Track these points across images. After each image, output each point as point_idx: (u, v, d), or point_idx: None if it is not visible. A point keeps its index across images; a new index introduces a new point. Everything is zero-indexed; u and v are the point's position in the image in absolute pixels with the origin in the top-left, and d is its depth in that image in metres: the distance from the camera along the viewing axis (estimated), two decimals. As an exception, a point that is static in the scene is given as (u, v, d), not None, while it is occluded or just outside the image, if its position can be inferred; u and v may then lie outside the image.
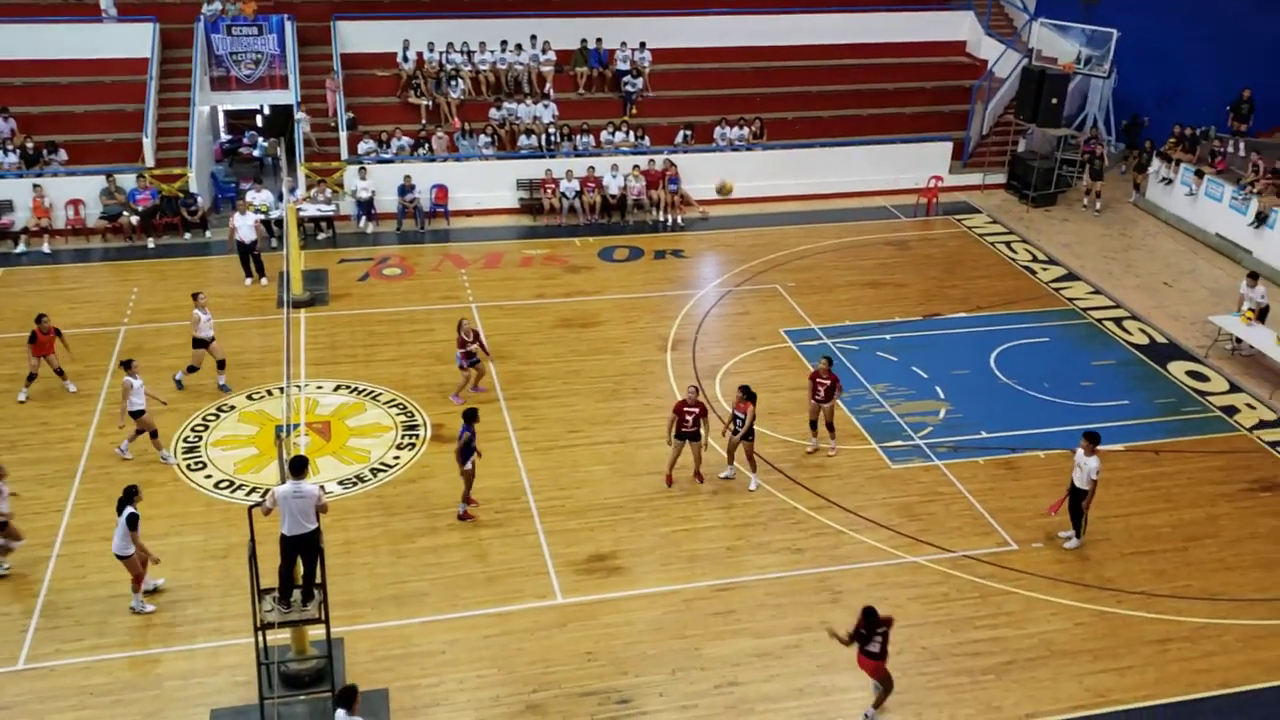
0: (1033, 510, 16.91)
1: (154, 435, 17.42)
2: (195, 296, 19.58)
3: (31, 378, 18.81)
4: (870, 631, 12.72)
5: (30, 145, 26.18)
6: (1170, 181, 28.66)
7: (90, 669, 13.39)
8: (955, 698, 13.54)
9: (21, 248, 24.97)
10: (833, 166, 29.67)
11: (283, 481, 12.68)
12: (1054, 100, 29.15)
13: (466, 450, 16.15)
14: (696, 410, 16.85)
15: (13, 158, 25.95)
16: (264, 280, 23.63)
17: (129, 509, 14.04)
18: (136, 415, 17.13)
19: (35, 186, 25.19)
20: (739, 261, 25.67)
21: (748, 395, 16.99)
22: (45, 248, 24.95)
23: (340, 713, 11.17)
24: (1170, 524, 16.88)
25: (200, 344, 19.28)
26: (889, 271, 25.28)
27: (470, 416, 16.22)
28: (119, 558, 14.13)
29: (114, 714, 12.76)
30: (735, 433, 17.07)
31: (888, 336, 22.17)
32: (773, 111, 30.41)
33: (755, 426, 17.16)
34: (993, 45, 32.65)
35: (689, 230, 27.59)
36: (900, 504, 17.09)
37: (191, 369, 19.49)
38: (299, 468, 12.48)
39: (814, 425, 18.29)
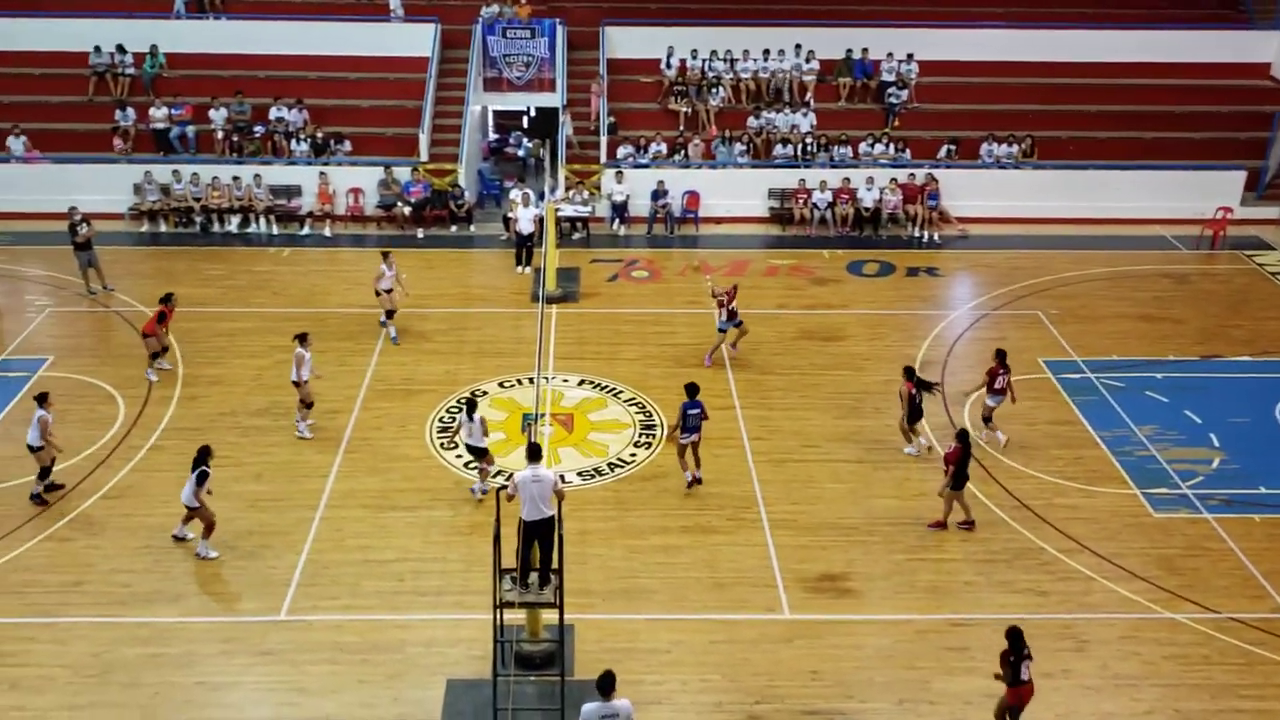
0: (1315, 577, 15.43)
1: (308, 406, 18.28)
2: (385, 255, 21.51)
3: (165, 350, 19.99)
4: (1021, 655, 12.39)
5: (319, 135, 28.13)
6: None
7: (342, 627, 14.19)
8: (1211, 769, 12.52)
9: (306, 230, 26.88)
10: (1108, 190, 28.15)
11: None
12: (1369, 131, 26.61)
13: (687, 423, 16.75)
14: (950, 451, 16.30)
15: (303, 146, 27.96)
16: (527, 269, 24.58)
17: (202, 467, 15.12)
18: (297, 385, 18.08)
19: (321, 174, 27.05)
20: (998, 284, 24.69)
21: (909, 376, 17.67)
22: (326, 231, 26.76)
23: (592, 705, 11.19)
24: None
25: (382, 294, 21.31)
26: (1164, 306, 23.73)
27: (691, 391, 16.86)
28: (189, 509, 15.22)
29: (361, 672, 13.48)
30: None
31: (1159, 375, 20.78)
32: (1045, 130, 29.11)
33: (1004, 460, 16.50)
34: (1303, 69, 30.15)
35: (946, 248, 26.79)
36: (1160, 555, 15.95)
37: (390, 313, 21.46)
38: (534, 454, 12.84)
39: (987, 420, 18.47)
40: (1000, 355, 18.30)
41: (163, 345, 20.00)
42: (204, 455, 15.37)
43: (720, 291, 20.56)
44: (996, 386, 18.12)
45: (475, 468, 17.03)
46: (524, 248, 24.80)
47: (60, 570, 15.07)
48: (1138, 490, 17.40)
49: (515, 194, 26.45)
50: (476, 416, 16.55)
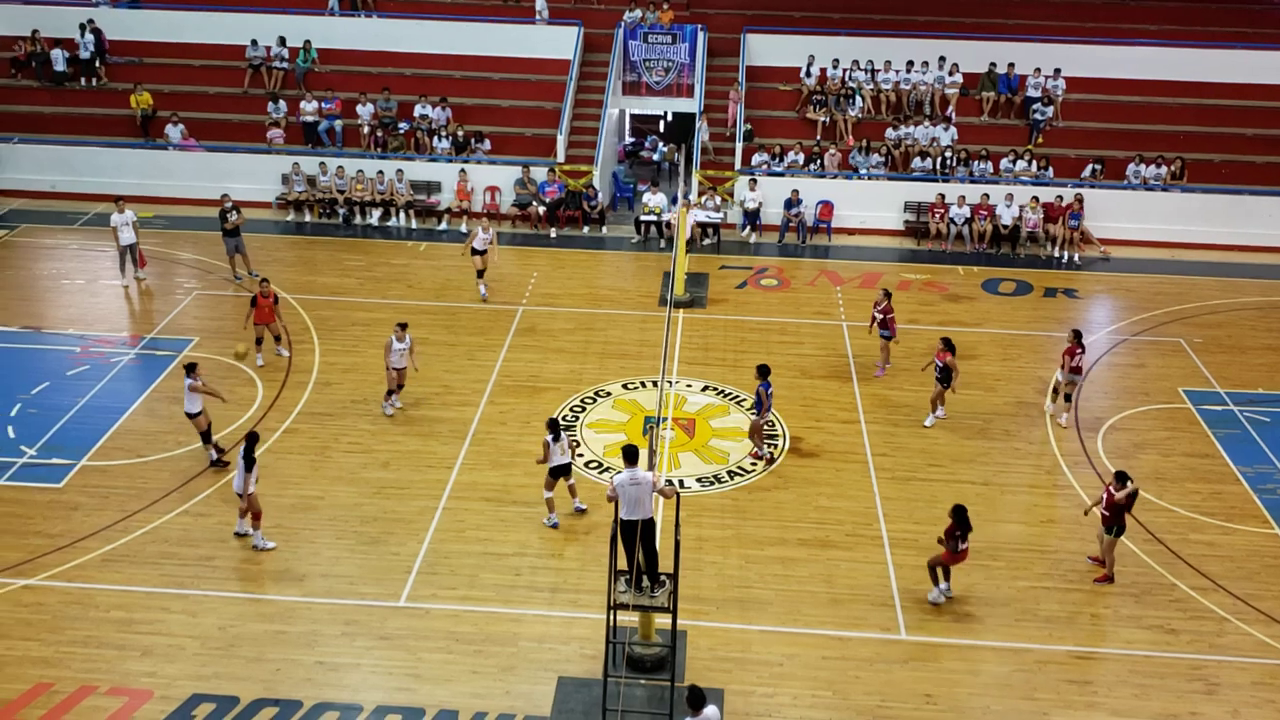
0: None
1: (390, 392, 18.67)
2: (481, 219, 24.09)
3: (259, 341, 20.38)
4: (965, 528, 14.42)
5: (461, 134, 28.74)
6: None
7: (459, 617, 14.44)
8: (1350, 831, 11.85)
9: (443, 225, 27.51)
10: (1263, 217, 27.05)
11: (650, 468, 13.12)
12: None
13: (760, 402, 17.61)
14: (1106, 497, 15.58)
15: (445, 144, 28.61)
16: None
17: (250, 455, 15.16)
18: (398, 370, 18.58)
19: (461, 172, 27.65)
20: (1139, 309, 23.87)
21: (948, 346, 18.52)
22: (463, 228, 27.32)
23: None
24: None
25: (476, 253, 23.00)
26: (1319, 339, 22.64)
27: (765, 372, 17.65)
28: (240, 496, 15.36)
29: (475, 662, 13.70)
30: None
31: (1309, 412, 19.86)
32: (1197, 152, 28.08)
33: (1141, 492, 15.91)
34: None
35: (1086, 269, 26.03)
36: (1303, 600, 15.20)
37: (481, 272, 23.24)
38: (631, 457, 12.82)
39: (1055, 392, 19.36)
40: (1077, 335, 18.95)
41: (259, 336, 20.33)
42: (251, 443, 15.39)
43: (881, 309, 20.51)
44: (1075, 365, 18.75)
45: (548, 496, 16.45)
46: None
47: (195, 544, 15.70)
48: (1279, 530, 16.65)
49: (647, 198, 26.57)
50: (564, 437, 16.12)
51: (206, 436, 17.42)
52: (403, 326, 18.63)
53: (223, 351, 20.78)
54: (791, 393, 20.02)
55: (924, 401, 19.73)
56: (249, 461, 15.23)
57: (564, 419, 18.94)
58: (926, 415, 19.20)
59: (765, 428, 18.11)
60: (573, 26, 30.58)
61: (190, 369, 17.17)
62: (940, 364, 18.77)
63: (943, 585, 14.87)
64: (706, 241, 26.84)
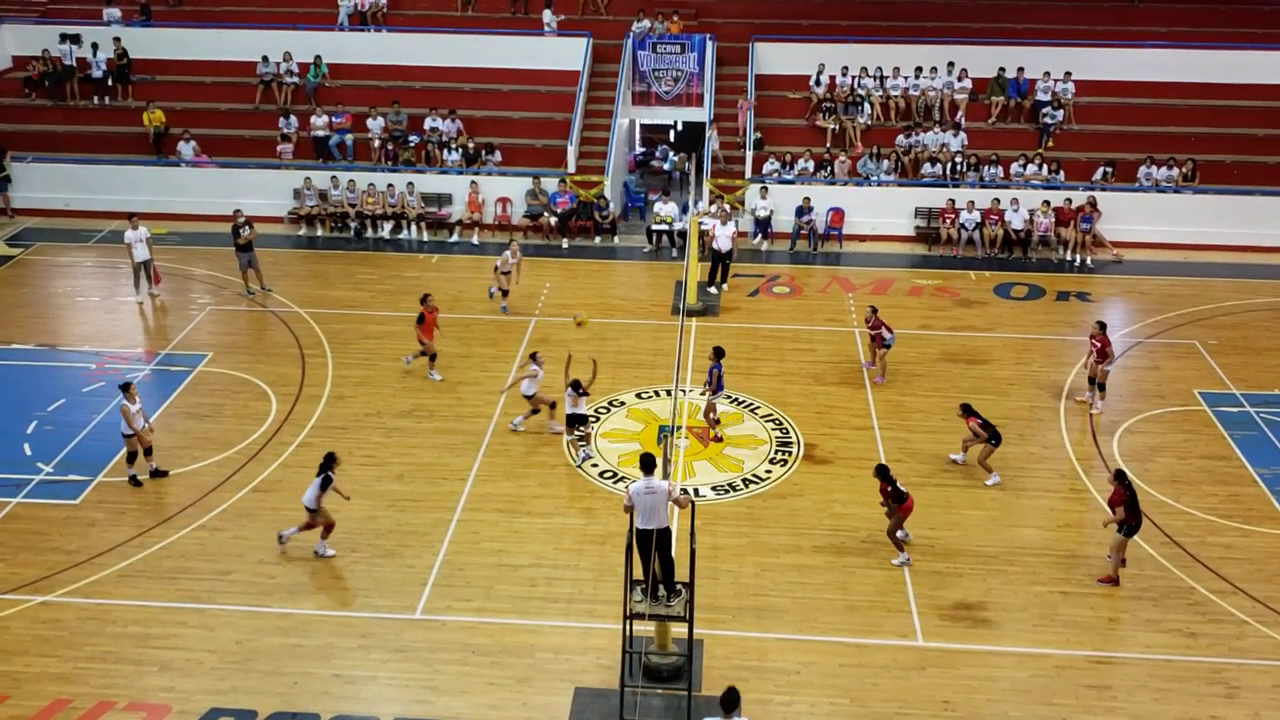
0: None
1: (535, 411, 18.88)
2: (509, 243, 24.00)
3: (433, 356, 20.58)
4: (894, 482, 15.54)
5: (471, 146, 28.83)
6: None
7: (475, 629, 14.44)
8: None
9: (455, 237, 27.58)
10: (1275, 217, 26.93)
11: (665, 477, 13.12)
12: None
13: (719, 384, 18.53)
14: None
15: (455, 156, 28.69)
16: (724, 287, 24.57)
17: (327, 473, 15.33)
18: (529, 397, 18.66)
19: (472, 183, 27.72)
20: (1153, 312, 23.79)
21: (968, 411, 17.66)
22: (474, 239, 27.39)
23: None
24: None
25: (499, 272, 23.41)
26: (1335, 340, 22.50)
27: (719, 354, 18.64)
28: (308, 510, 15.46)
29: (491, 674, 13.69)
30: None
31: (1326, 412, 19.74)
32: (1208, 154, 27.99)
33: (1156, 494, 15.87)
34: None
35: (1099, 273, 25.96)
36: (1323, 602, 15.10)
37: (504, 292, 23.48)
38: (648, 466, 12.84)
39: (1091, 381, 19.79)
40: (1101, 326, 19.63)
41: (428, 351, 20.47)
42: (329, 462, 15.55)
43: (873, 319, 20.58)
44: (1109, 352, 19.40)
45: (579, 434, 18.14)
46: (719, 265, 24.58)
47: (211, 559, 15.74)
48: (1299, 533, 16.53)
49: (659, 208, 26.57)
50: (582, 399, 17.99)
51: (148, 453, 17.34)
52: (534, 355, 18.78)
53: (235, 367, 20.89)
54: (805, 400, 20.01)
55: (937, 407, 19.70)
56: (325, 481, 15.37)
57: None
58: (988, 475, 17.68)
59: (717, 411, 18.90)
60: (581, 37, 30.67)
61: (125, 388, 17.19)
62: (972, 431, 17.61)
63: (902, 545, 15.84)
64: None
